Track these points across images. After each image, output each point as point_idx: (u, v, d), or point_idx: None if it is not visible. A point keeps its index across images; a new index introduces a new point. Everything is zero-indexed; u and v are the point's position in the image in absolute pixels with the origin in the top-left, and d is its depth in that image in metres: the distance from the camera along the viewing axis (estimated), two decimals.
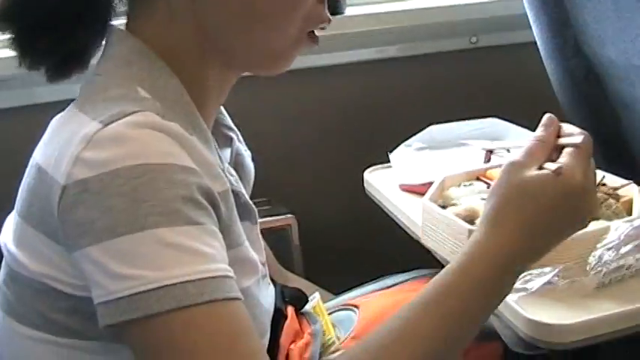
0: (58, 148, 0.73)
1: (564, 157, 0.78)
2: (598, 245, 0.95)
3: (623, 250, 0.93)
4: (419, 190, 1.33)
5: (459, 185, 1.18)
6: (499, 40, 1.78)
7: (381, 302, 1.24)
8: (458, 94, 1.78)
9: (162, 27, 0.82)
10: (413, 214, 1.25)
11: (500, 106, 1.57)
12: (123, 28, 0.84)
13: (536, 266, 0.94)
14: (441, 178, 1.19)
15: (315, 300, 1.25)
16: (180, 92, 0.80)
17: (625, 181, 1.12)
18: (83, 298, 0.73)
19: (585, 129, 1.55)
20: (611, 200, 1.05)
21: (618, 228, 0.95)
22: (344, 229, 1.74)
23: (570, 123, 1.55)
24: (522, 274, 0.85)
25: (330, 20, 0.84)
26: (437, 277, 0.77)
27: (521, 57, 1.70)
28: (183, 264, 0.68)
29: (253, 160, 1.03)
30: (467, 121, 1.54)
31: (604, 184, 1.12)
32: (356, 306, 1.25)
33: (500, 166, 1.22)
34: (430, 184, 1.28)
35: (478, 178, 1.21)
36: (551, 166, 0.77)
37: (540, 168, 0.78)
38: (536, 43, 1.57)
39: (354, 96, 1.75)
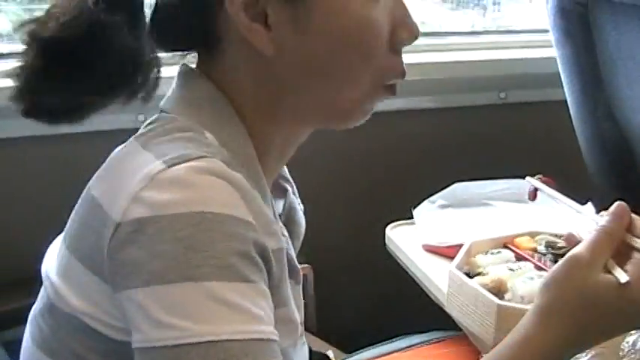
0: (117, 183, 0.71)
1: (633, 266, 0.73)
2: (632, 331, 0.91)
3: None
4: (443, 252, 1.31)
5: (486, 253, 1.15)
6: (528, 97, 1.76)
7: None
8: (485, 150, 1.76)
9: (232, 74, 0.79)
10: (436, 278, 1.22)
11: (529, 166, 1.54)
12: (194, 66, 0.82)
13: None
14: (468, 244, 1.16)
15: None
16: (245, 143, 0.78)
17: None
18: (122, 343, 0.70)
19: (612, 195, 1.54)
20: None
21: None
22: (362, 283, 1.71)
23: (597, 188, 1.53)
24: None
25: (405, 73, 0.81)
26: None
27: (551, 115, 1.67)
28: (231, 321, 0.65)
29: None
30: (493, 181, 1.52)
31: None
32: None
33: (527, 234, 1.21)
34: (455, 247, 1.26)
35: (505, 246, 1.18)
36: (618, 275, 0.72)
37: (605, 267, 0.74)
38: (566, 102, 1.54)
39: (378, 147, 1.73)
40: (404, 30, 0.78)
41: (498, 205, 1.47)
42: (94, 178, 0.77)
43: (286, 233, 0.87)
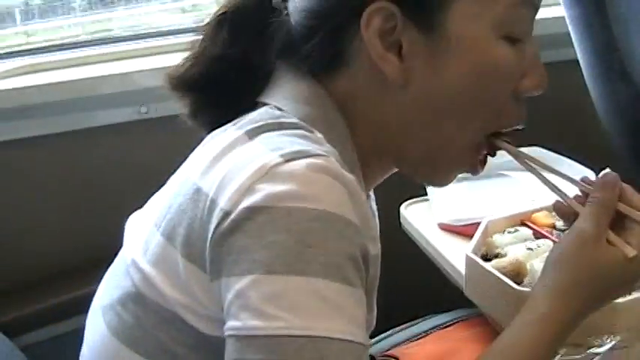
0: (225, 172, 0.70)
1: (636, 239, 0.76)
2: None
3: None
4: (460, 231, 1.28)
5: (503, 232, 1.12)
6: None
7: (425, 353, 1.19)
8: None
9: (350, 96, 0.79)
10: (454, 259, 1.19)
11: (543, 134, 1.49)
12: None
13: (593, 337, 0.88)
14: (484, 224, 1.13)
15: None
16: (351, 149, 0.78)
17: None
18: (212, 338, 0.70)
19: (633, 158, 1.50)
20: None
21: None
22: (382, 265, 1.67)
23: (617, 152, 1.49)
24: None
25: (522, 121, 0.83)
26: (502, 345, 0.74)
27: (564, 78, 1.62)
28: (333, 320, 0.64)
29: None
30: None
31: None
32: (396, 358, 1.20)
33: (545, 209, 1.17)
34: (471, 225, 1.23)
35: (523, 223, 1.15)
36: (625, 249, 0.75)
37: (608, 239, 0.76)
38: (578, 61, 1.49)
39: None
40: (532, 79, 0.79)
41: (514, 176, 1.44)
42: (192, 164, 0.77)
43: None
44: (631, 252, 0.74)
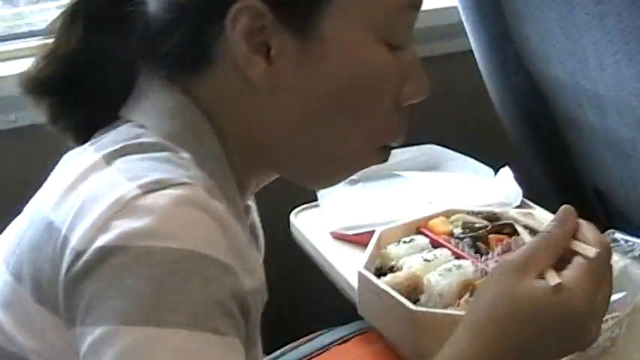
0: (79, 205, 0.62)
1: (570, 270, 0.64)
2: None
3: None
4: (353, 240, 1.19)
5: (398, 242, 1.03)
6: (433, 51, 1.62)
7: None
8: None
9: (217, 101, 0.70)
10: (347, 271, 1.10)
11: (438, 131, 1.42)
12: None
13: None
14: (377, 234, 1.04)
15: None
16: (223, 166, 0.70)
17: None
18: None
19: (528, 150, 1.44)
20: None
21: None
22: (269, 277, 1.57)
23: (515, 146, 1.43)
24: None
25: (402, 136, 0.74)
26: None
27: (459, 69, 1.55)
28: None
29: None
30: (401, 149, 1.39)
31: None
32: None
33: (442, 214, 1.10)
34: (364, 234, 1.14)
35: (419, 231, 1.06)
36: (550, 279, 0.63)
37: (542, 275, 0.65)
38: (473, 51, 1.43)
39: None
40: (413, 86, 0.71)
41: (409, 176, 1.36)
42: (46, 195, 0.67)
43: None
44: (553, 280, 0.63)
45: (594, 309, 0.64)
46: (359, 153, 0.73)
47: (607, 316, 0.82)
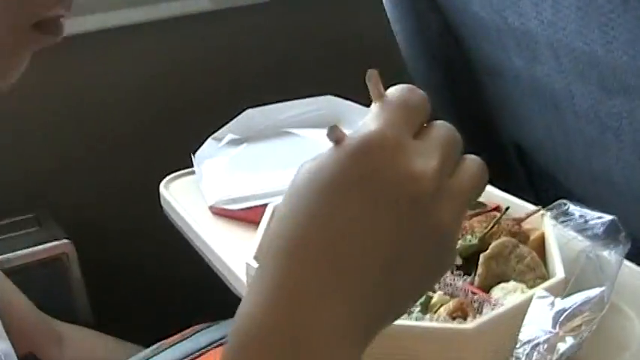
0: None
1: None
2: (521, 337, 0.61)
3: (566, 344, 0.59)
4: (238, 217, 0.95)
5: None
6: None
7: None
8: (282, 64, 1.39)
9: None
10: (232, 258, 0.87)
11: (336, 80, 1.20)
12: None
13: None
14: (269, 211, 0.81)
15: None
16: None
17: (531, 207, 0.79)
18: None
19: (441, 102, 1.24)
20: (522, 246, 0.71)
21: (552, 303, 0.62)
22: (141, 259, 1.32)
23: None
24: None
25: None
26: None
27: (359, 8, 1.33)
28: None
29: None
30: (293, 102, 1.17)
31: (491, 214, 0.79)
32: None
33: None
34: (254, 209, 0.92)
35: None
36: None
37: None
38: None
39: (142, 73, 1.32)
40: None
41: (304, 134, 1.13)
42: None
43: None
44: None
45: (402, 142, 0.43)
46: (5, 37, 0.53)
47: (576, 320, 0.63)
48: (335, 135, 0.43)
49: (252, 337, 0.42)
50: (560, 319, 0.62)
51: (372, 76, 0.46)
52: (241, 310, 0.43)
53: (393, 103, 0.45)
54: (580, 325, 0.61)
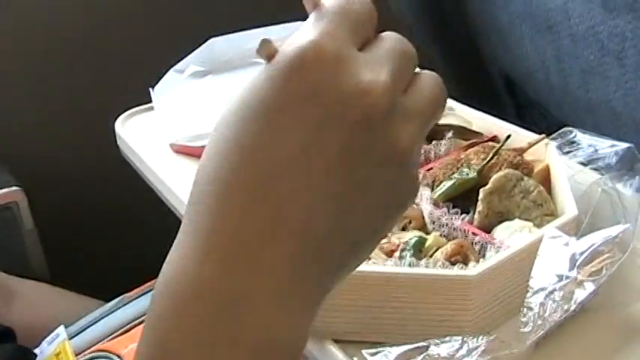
0: None
1: None
2: (532, 283, 0.52)
3: (585, 290, 0.51)
4: (199, 154, 0.85)
5: None
6: None
7: None
8: None
9: None
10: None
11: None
12: None
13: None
14: None
15: (60, 340, 0.83)
16: None
17: (534, 136, 0.70)
18: None
19: (424, 28, 1.14)
20: (527, 179, 0.62)
21: (567, 243, 0.54)
22: (98, 206, 1.22)
23: (403, 20, 1.13)
24: None
25: None
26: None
27: None
28: None
29: None
30: (262, 29, 1.06)
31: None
32: (119, 356, 0.79)
33: None
34: None
35: None
36: None
37: None
38: None
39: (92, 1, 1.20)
40: None
41: None
42: None
43: None
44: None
45: (345, 51, 0.36)
46: None
47: (594, 263, 0.54)
48: (266, 50, 0.36)
49: (181, 296, 0.34)
50: (578, 262, 0.53)
51: None
52: (171, 257, 0.36)
53: (330, 10, 0.37)
54: (601, 269, 0.53)
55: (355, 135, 0.35)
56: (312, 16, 0.37)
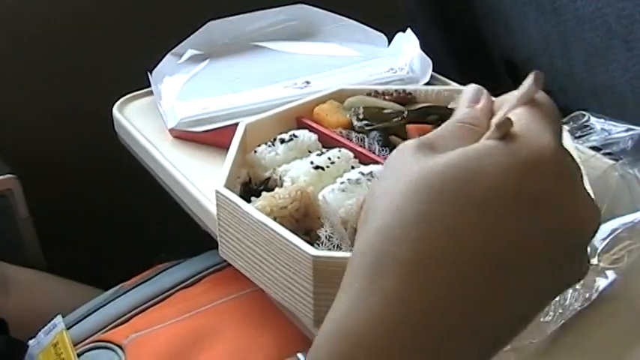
0: None
1: (515, 116, 0.38)
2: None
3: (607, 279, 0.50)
4: (202, 140, 0.84)
5: (274, 141, 0.69)
6: None
7: (166, 336, 0.78)
8: None
9: None
10: (196, 187, 0.76)
11: None
12: None
13: None
14: (240, 131, 0.69)
15: (58, 330, 0.81)
16: None
17: None
18: None
19: (425, 9, 1.12)
20: None
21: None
22: (96, 193, 1.20)
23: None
24: None
25: None
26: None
27: None
28: None
29: None
30: (262, 11, 1.04)
31: None
32: (120, 346, 0.78)
33: (331, 97, 0.76)
34: (220, 130, 0.80)
35: (300, 122, 0.73)
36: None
37: None
38: None
39: None
40: None
41: (273, 47, 1.01)
42: None
43: None
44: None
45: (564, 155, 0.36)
46: None
47: (615, 250, 0.53)
48: (504, 128, 0.36)
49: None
50: (599, 249, 0.51)
51: (539, 80, 0.39)
52: (343, 319, 0.35)
53: (552, 111, 0.39)
54: (623, 257, 0.51)
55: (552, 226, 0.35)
56: (536, 111, 0.38)
